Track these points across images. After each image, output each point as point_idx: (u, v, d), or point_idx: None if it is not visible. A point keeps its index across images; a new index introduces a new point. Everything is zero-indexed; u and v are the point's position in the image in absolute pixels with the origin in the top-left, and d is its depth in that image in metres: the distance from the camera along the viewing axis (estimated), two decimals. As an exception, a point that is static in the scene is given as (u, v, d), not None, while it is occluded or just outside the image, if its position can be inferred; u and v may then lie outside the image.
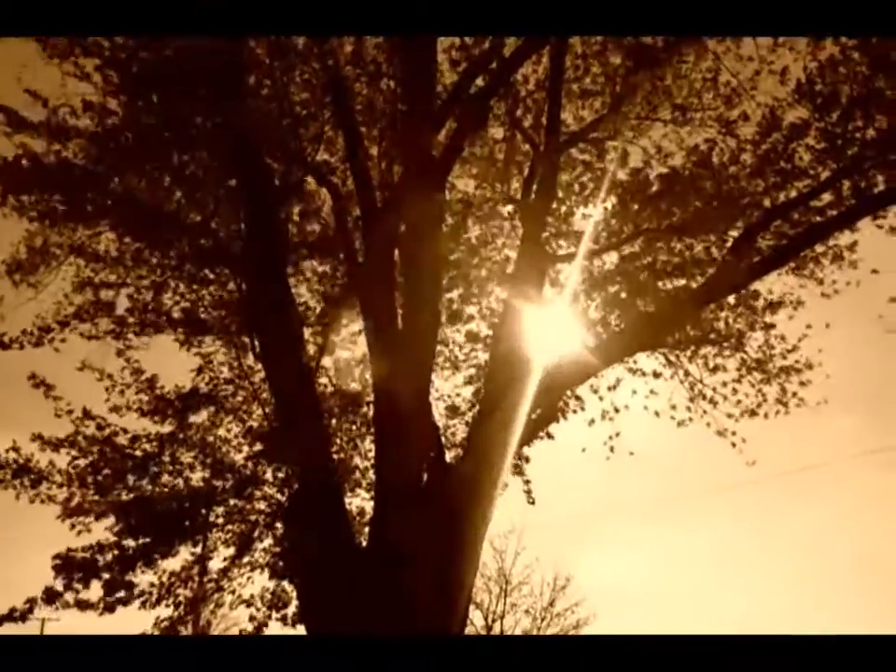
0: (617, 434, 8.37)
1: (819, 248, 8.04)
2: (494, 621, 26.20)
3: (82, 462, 6.58)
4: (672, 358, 8.74)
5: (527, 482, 7.89)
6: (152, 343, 7.45)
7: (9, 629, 6.21)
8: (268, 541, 6.74)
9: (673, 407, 8.70)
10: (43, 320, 7.06)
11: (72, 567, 6.14)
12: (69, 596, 6.23)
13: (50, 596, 6.12)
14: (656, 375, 8.55)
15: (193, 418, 7.07)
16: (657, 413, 8.66)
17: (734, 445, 8.50)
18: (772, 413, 8.60)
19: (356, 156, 6.97)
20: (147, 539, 6.28)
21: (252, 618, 6.70)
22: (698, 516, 44.46)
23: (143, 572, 6.41)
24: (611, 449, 8.39)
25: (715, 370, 8.73)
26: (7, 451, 6.43)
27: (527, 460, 8.07)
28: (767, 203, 7.35)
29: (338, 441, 7.45)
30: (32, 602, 6.17)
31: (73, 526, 6.49)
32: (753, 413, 8.58)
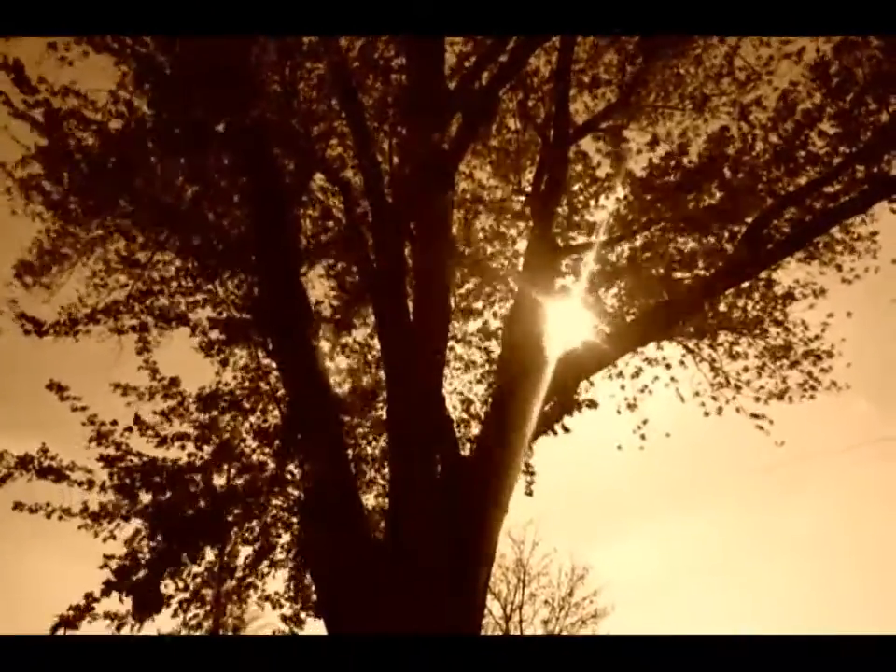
0: (645, 422, 8.41)
1: (838, 235, 8.00)
2: (512, 611, 26.31)
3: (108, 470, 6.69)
4: (692, 346, 8.74)
5: (532, 473, 7.89)
6: (171, 341, 7.58)
7: (31, 629, 6.33)
8: (286, 538, 6.83)
9: (696, 394, 8.74)
10: (70, 313, 7.21)
11: (113, 588, 6.23)
12: (99, 609, 6.33)
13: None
14: (669, 367, 8.54)
15: (214, 420, 7.15)
16: (682, 399, 8.71)
17: (761, 428, 8.51)
18: (797, 398, 8.61)
19: (366, 152, 7.00)
20: (174, 545, 6.35)
21: (284, 617, 6.79)
22: (718, 504, 44.12)
23: (174, 583, 6.51)
24: (642, 437, 8.44)
25: (736, 357, 8.73)
26: (38, 452, 6.55)
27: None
28: (780, 190, 7.28)
29: (353, 437, 7.52)
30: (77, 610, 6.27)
31: (96, 534, 6.60)
32: (779, 398, 8.58)
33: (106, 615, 6.31)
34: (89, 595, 6.28)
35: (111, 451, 6.73)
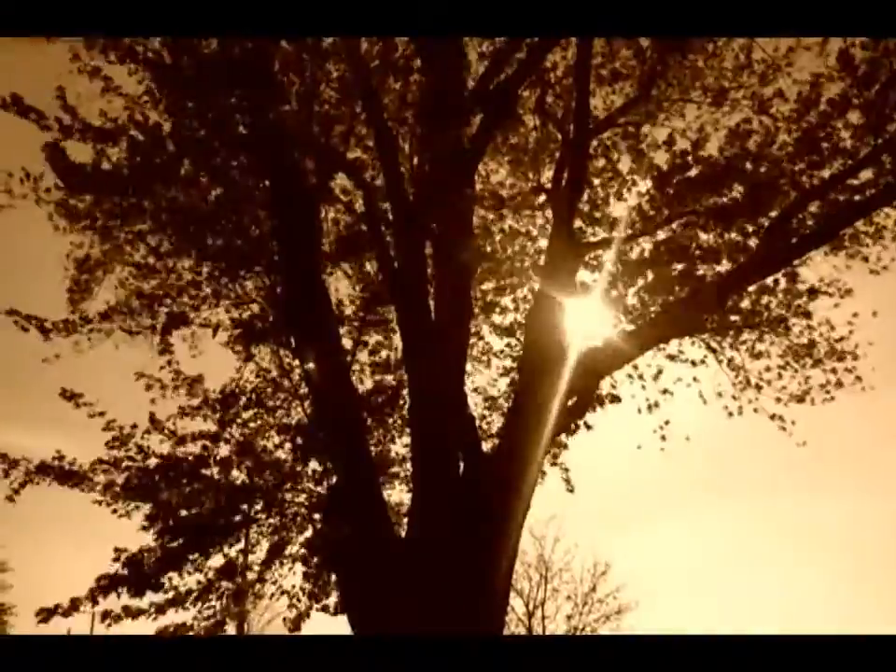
0: (666, 422, 8.35)
1: (863, 227, 7.88)
2: (535, 607, 26.33)
3: (125, 466, 6.79)
4: (714, 345, 8.66)
5: (566, 469, 7.92)
6: (200, 341, 7.70)
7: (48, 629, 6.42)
8: (308, 534, 6.90)
9: (719, 394, 8.66)
10: (83, 311, 7.32)
11: (117, 583, 6.31)
12: (117, 606, 6.43)
13: (95, 599, 6.31)
14: (695, 364, 8.47)
15: (235, 416, 7.24)
16: (704, 400, 8.63)
17: (783, 429, 8.42)
18: (818, 399, 8.48)
19: (386, 152, 7.03)
20: (189, 540, 6.43)
21: (292, 606, 6.84)
22: (741, 502, 43.71)
23: (189, 573, 6.60)
24: (663, 437, 8.38)
25: (758, 356, 8.63)
26: (53, 459, 6.65)
27: (565, 447, 8.10)
28: (805, 183, 7.19)
29: (375, 434, 7.57)
30: (76, 601, 6.36)
31: (114, 511, 6.71)
32: (801, 400, 8.46)
33: (127, 610, 6.42)
34: (94, 590, 6.37)
35: (132, 453, 6.85)
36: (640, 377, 8.46)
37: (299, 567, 6.90)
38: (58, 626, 6.47)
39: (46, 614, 6.24)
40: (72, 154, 6.74)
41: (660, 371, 8.41)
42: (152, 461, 6.80)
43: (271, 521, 6.83)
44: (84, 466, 6.69)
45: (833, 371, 8.30)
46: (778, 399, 8.46)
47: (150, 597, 6.42)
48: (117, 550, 6.45)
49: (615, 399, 7.54)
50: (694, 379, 8.59)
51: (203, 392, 7.35)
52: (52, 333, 7.04)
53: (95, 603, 6.27)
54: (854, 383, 8.28)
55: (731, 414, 8.67)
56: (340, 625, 6.49)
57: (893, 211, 7.66)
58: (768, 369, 8.53)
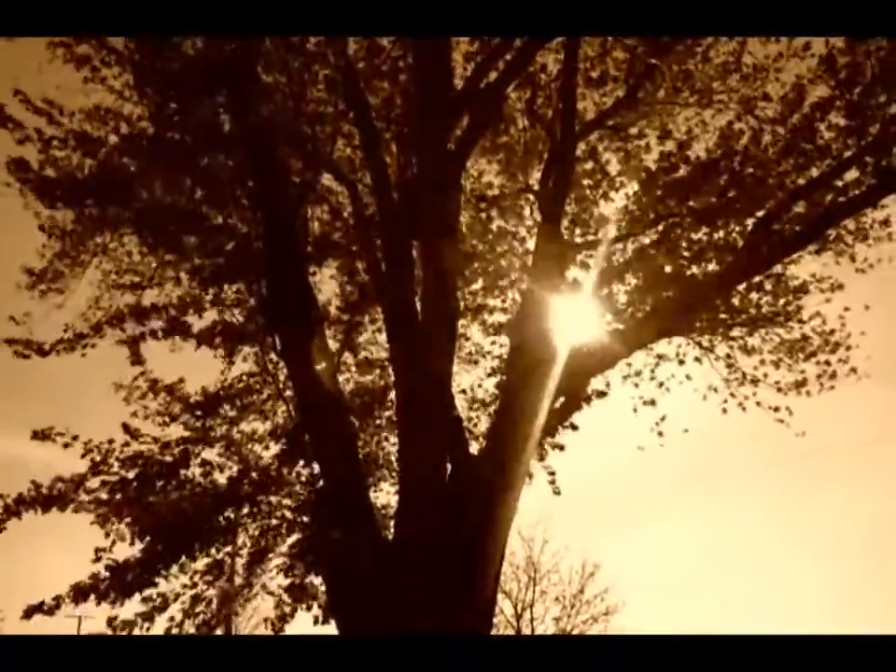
0: (663, 418, 8.37)
1: (850, 226, 7.93)
2: (523, 609, 26.37)
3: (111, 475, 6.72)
4: (706, 344, 8.69)
5: (552, 473, 7.89)
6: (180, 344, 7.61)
7: (42, 628, 6.33)
8: (294, 537, 6.85)
9: (715, 389, 8.68)
10: (74, 328, 7.24)
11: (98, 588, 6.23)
12: (103, 617, 6.37)
13: (78, 595, 6.22)
14: (682, 363, 8.49)
15: (218, 419, 7.18)
16: (703, 396, 8.66)
17: (781, 421, 8.44)
18: (815, 392, 8.50)
19: (373, 153, 7.02)
20: (172, 544, 6.37)
21: (281, 614, 6.78)
22: (731, 500, 43.93)
23: (175, 577, 6.54)
24: (660, 434, 8.39)
25: (751, 352, 8.66)
26: (28, 491, 6.48)
27: (562, 448, 8.05)
28: (790, 184, 7.23)
29: (362, 436, 7.53)
30: (59, 599, 6.28)
31: (107, 535, 6.63)
32: (798, 387, 8.48)
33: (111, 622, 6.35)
34: (76, 587, 6.28)
35: (114, 469, 6.78)
36: (637, 373, 8.49)
37: (285, 570, 6.84)
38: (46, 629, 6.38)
39: (30, 611, 6.18)
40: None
41: (654, 369, 8.44)
42: (134, 471, 6.72)
43: (256, 524, 6.77)
44: (68, 476, 6.61)
45: (827, 362, 8.34)
46: (779, 390, 8.49)
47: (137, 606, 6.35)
48: (98, 550, 6.38)
49: (602, 394, 7.55)
50: (687, 377, 8.63)
51: (185, 397, 7.28)
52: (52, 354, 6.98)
53: (77, 602, 6.20)
54: (848, 374, 8.31)
55: (725, 411, 8.70)
56: (327, 626, 6.47)
57: (877, 211, 7.74)
58: (762, 363, 8.56)
